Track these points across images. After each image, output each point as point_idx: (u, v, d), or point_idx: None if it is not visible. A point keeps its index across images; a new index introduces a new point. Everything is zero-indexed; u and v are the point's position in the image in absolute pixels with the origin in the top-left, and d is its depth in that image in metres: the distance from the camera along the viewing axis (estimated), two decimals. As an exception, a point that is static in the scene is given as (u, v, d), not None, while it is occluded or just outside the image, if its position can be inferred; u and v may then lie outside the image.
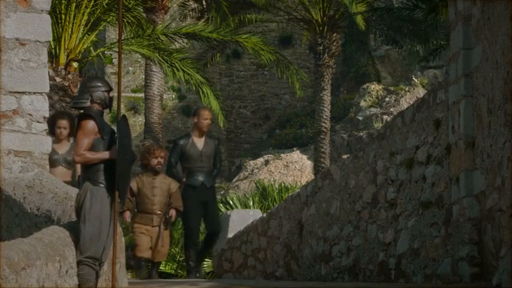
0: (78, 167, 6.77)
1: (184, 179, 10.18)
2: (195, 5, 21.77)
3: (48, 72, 8.80)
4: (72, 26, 12.29)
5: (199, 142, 10.24)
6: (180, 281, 8.70)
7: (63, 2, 12.25)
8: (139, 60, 27.93)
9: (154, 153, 9.84)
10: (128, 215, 9.79)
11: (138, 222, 9.75)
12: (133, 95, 29.64)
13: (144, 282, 8.43)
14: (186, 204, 10.06)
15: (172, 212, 9.84)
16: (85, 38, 12.54)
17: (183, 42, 15.69)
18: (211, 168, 10.35)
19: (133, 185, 9.76)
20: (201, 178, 10.22)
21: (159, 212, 9.73)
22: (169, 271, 17.78)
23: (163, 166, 9.93)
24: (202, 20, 20.96)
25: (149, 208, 9.75)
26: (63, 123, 9.72)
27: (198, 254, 10.51)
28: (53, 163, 9.48)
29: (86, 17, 12.41)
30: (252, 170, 24.58)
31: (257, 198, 18.91)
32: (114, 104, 6.41)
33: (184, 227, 10.47)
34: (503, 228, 6.71)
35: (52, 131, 9.71)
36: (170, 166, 10.26)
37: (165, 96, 24.20)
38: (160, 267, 17.93)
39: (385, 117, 24.32)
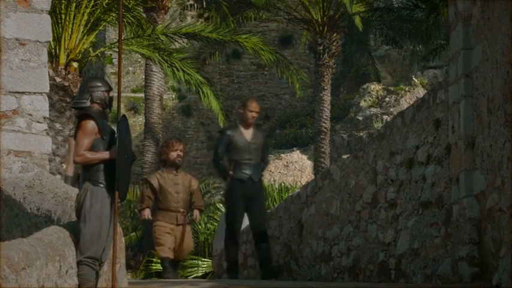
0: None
1: (231, 172, 9.61)
2: (195, 4, 21.76)
3: (48, 72, 8.81)
4: (72, 26, 12.29)
5: (247, 133, 9.69)
6: (180, 281, 8.68)
7: (63, 2, 12.25)
8: (139, 60, 27.93)
9: (173, 146, 9.43)
10: (147, 212, 9.40)
11: (162, 221, 9.33)
12: (133, 95, 29.64)
13: (145, 282, 8.42)
14: (230, 198, 9.61)
15: (196, 213, 9.53)
16: (85, 38, 12.54)
17: (183, 42, 15.68)
18: (259, 161, 9.75)
19: (154, 181, 9.39)
20: (248, 171, 9.60)
21: (182, 210, 9.36)
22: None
23: (182, 159, 9.51)
24: (202, 20, 20.95)
25: (173, 206, 9.36)
26: None
27: (260, 259, 9.87)
28: None
29: (85, 17, 12.41)
30: (252, 170, 24.55)
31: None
32: (114, 104, 6.41)
33: (226, 223, 9.76)
34: (503, 228, 6.71)
35: None
36: (217, 157, 9.68)
37: (165, 96, 24.20)
38: (159, 267, 17.98)
39: (385, 117, 24.32)
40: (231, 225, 9.64)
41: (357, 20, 19.76)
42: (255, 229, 9.73)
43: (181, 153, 9.41)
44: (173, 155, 9.35)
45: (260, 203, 9.71)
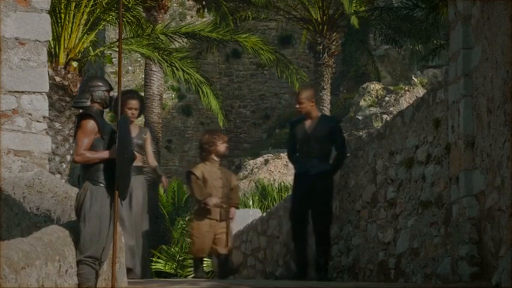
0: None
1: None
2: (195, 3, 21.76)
3: (48, 71, 8.80)
4: (72, 25, 12.28)
5: (310, 123, 9.00)
6: (180, 280, 8.69)
7: (62, 1, 12.25)
8: (139, 59, 27.93)
9: (222, 138, 9.07)
10: (215, 199, 8.90)
11: (203, 217, 8.94)
12: (133, 94, 29.62)
13: (144, 282, 8.42)
14: (292, 193, 9.10)
15: (233, 211, 9.15)
16: (85, 37, 12.53)
17: (183, 41, 15.68)
18: (324, 152, 8.95)
19: (199, 173, 8.93)
20: (307, 164, 8.89)
21: (225, 206, 8.99)
22: (169, 270, 17.80)
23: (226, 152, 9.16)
24: (203, 19, 20.94)
25: (217, 201, 9.01)
26: (134, 103, 9.10)
27: (315, 263, 9.15)
28: None
29: (85, 17, 12.40)
30: (252, 170, 24.57)
31: (257, 197, 18.91)
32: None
33: (289, 219, 9.19)
34: (502, 228, 6.71)
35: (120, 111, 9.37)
36: (289, 155, 9.25)
37: (164, 96, 24.20)
38: (160, 267, 17.99)
39: (384, 116, 24.32)
40: (292, 220, 9.06)
41: (354, 18, 19.76)
42: (314, 228, 9.07)
43: (227, 146, 9.25)
44: (223, 147, 9.04)
45: (320, 199, 8.89)
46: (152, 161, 9.31)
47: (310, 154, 8.85)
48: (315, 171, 8.84)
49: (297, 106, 9.09)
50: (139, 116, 9.33)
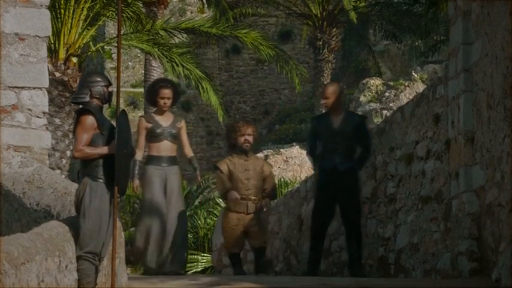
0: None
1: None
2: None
3: (48, 67, 8.80)
4: (72, 20, 12.27)
5: (336, 119, 8.64)
6: (180, 276, 8.66)
7: (62, -4, 12.24)
8: (139, 55, 27.93)
9: (240, 130, 8.68)
10: (235, 194, 8.56)
11: (232, 211, 8.60)
12: (132, 90, 29.65)
13: (144, 277, 8.43)
14: (317, 190, 8.74)
15: (267, 202, 8.70)
16: (84, 32, 12.53)
17: (183, 37, 15.67)
18: (350, 149, 8.66)
19: (224, 167, 8.63)
20: (334, 161, 8.55)
21: (254, 198, 8.58)
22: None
23: (251, 144, 8.73)
24: (203, 14, 20.92)
25: (243, 193, 8.60)
26: (167, 92, 8.75)
27: (351, 256, 8.80)
28: (156, 137, 8.68)
29: (85, 12, 12.39)
30: (252, 165, 24.58)
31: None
32: (114, 99, 6.40)
33: (312, 216, 8.88)
34: (502, 223, 6.72)
35: (153, 101, 8.87)
36: (307, 150, 9.02)
37: (164, 91, 24.15)
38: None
39: (384, 112, 24.32)
40: (315, 218, 8.78)
41: (352, 14, 19.75)
42: (344, 227, 8.84)
43: (249, 138, 8.69)
44: (241, 139, 8.64)
45: (348, 198, 8.61)
46: (188, 152, 8.92)
47: (336, 150, 8.57)
48: (343, 168, 8.57)
49: (323, 101, 8.81)
50: (173, 105, 8.91)
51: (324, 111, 9.27)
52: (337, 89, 8.80)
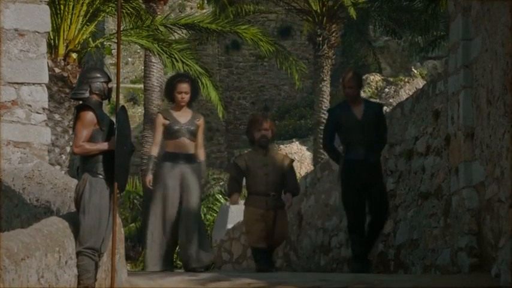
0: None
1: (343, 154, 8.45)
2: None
3: (47, 63, 8.79)
4: (71, 16, 12.26)
5: (358, 110, 8.35)
6: (180, 272, 8.66)
7: (62, -8, 12.23)
8: (139, 51, 27.91)
9: (256, 125, 8.31)
10: (235, 197, 8.34)
11: (251, 206, 8.27)
12: (132, 86, 29.63)
13: (143, 273, 8.42)
14: (344, 183, 8.41)
15: (288, 197, 8.32)
16: (84, 28, 12.52)
17: (182, 32, 15.66)
18: (373, 139, 8.39)
19: (242, 163, 8.33)
20: (362, 152, 8.26)
21: (273, 193, 8.22)
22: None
23: (270, 139, 8.36)
24: (202, 10, 20.90)
25: (262, 189, 8.24)
26: (185, 87, 8.41)
27: (365, 242, 8.51)
28: (174, 134, 8.34)
29: (85, 8, 12.38)
30: (251, 161, 24.59)
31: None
32: (113, 95, 6.40)
33: (345, 210, 8.58)
34: (502, 219, 6.72)
35: (170, 96, 8.51)
36: (324, 143, 8.64)
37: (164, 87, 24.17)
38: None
39: (384, 108, 24.32)
40: (348, 212, 8.52)
41: (351, 10, 19.74)
42: (370, 218, 8.52)
43: (266, 133, 8.29)
44: (257, 134, 8.28)
45: (376, 189, 8.32)
46: (200, 154, 8.53)
47: (363, 141, 8.24)
48: (372, 160, 8.29)
49: (345, 90, 8.42)
50: (192, 100, 8.49)
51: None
52: (359, 78, 8.53)
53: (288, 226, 8.44)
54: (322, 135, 20.90)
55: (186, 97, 8.41)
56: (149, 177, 8.41)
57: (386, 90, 25.48)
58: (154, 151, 8.47)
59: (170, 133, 8.34)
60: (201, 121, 8.52)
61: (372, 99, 8.67)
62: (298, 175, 18.85)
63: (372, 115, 8.39)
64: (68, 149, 12.19)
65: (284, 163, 8.37)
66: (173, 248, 8.46)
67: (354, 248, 8.41)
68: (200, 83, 14.41)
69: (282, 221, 8.24)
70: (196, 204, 8.31)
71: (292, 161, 8.46)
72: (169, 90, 8.51)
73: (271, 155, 8.34)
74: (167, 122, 8.40)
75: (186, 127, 8.35)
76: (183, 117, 8.42)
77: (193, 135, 8.37)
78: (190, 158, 8.37)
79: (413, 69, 26.13)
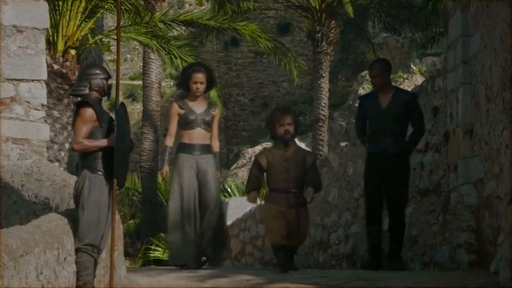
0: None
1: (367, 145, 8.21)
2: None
3: (46, 59, 8.79)
4: (70, 13, 12.25)
5: (384, 98, 8.04)
6: (178, 268, 8.65)
7: (60, -11, 12.22)
8: (137, 47, 27.90)
9: (278, 121, 7.95)
10: (253, 196, 8.01)
11: (271, 203, 7.93)
12: (131, 82, 29.62)
13: (142, 269, 8.42)
14: (364, 176, 8.18)
15: (310, 191, 7.90)
16: (83, 25, 12.51)
17: (181, 29, 15.66)
18: (400, 130, 8.00)
19: (263, 159, 7.97)
20: (382, 143, 7.95)
21: (294, 190, 7.85)
22: (167, 258, 17.82)
23: (293, 134, 7.97)
24: (201, 7, 20.89)
25: (283, 186, 7.88)
26: (200, 77, 8.23)
27: (388, 252, 8.13)
28: (188, 124, 8.16)
29: (83, 4, 12.38)
30: (250, 158, 24.57)
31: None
32: (113, 91, 6.39)
33: (365, 202, 8.34)
34: (501, 216, 6.72)
35: (186, 86, 8.34)
36: (356, 133, 8.41)
37: (163, 84, 24.18)
38: (158, 255, 18.01)
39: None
40: (367, 203, 8.23)
41: (348, 7, 19.72)
42: (389, 213, 8.15)
43: (289, 127, 7.91)
44: (281, 130, 7.91)
45: (396, 183, 7.96)
46: (215, 145, 8.31)
47: (385, 132, 7.94)
48: (390, 151, 7.92)
49: (371, 80, 8.22)
50: (208, 90, 8.35)
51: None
52: (385, 66, 8.23)
53: (308, 225, 8.08)
54: (321, 132, 20.63)
55: (202, 87, 8.24)
56: (165, 168, 8.24)
57: (385, 86, 25.50)
58: (169, 142, 8.29)
59: (185, 123, 8.17)
60: (216, 111, 8.34)
61: (403, 88, 7.88)
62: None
63: (399, 105, 7.98)
64: (67, 145, 12.20)
65: (306, 159, 7.98)
66: (198, 242, 8.20)
67: (368, 241, 8.17)
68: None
69: (304, 220, 7.89)
70: (214, 196, 8.15)
71: (316, 156, 8.10)
72: (185, 79, 8.32)
73: (292, 151, 7.97)
74: (182, 111, 8.24)
75: (201, 117, 8.18)
76: (199, 107, 8.26)
77: (208, 125, 8.21)
78: (206, 149, 8.21)
79: (412, 66, 26.12)
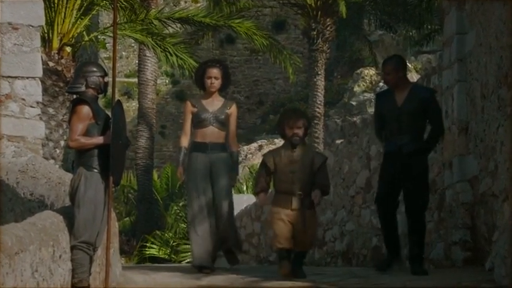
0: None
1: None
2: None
3: (41, 56, 8.78)
4: (65, 10, 12.23)
5: (400, 96, 7.66)
6: (176, 266, 8.64)
7: (56, -14, 12.19)
8: (133, 45, 27.88)
9: (289, 122, 7.69)
10: (262, 197, 7.72)
11: (276, 206, 7.65)
12: (126, 80, 29.60)
13: (138, 267, 8.42)
14: (380, 174, 7.84)
15: (317, 193, 7.53)
16: (78, 22, 12.49)
17: (176, 26, 15.64)
18: (417, 128, 7.59)
19: (269, 160, 7.74)
20: (398, 142, 7.55)
21: (299, 193, 7.54)
22: (163, 256, 17.82)
23: (302, 138, 7.68)
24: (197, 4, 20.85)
25: (288, 188, 7.58)
26: (214, 72, 7.96)
27: (409, 255, 7.66)
28: (201, 123, 7.91)
29: (78, 2, 12.35)
30: (246, 155, 24.58)
31: (251, 183, 18.92)
32: (109, 89, 6.39)
33: (375, 202, 7.91)
34: (496, 213, 6.73)
35: (201, 83, 8.05)
36: (376, 132, 8.00)
37: (158, 81, 24.17)
38: (154, 253, 18.01)
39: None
40: (380, 206, 7.80)
41: (342, 6, 19.71)
42: (407, 214, 7.74)
43: (299, 131, 7.62)
44: (289, 133, 7.66)
45: (412, 183, 7.52)
46: (232, 144, 8.06)
47: (401, 131, 7.57)
48: (407, 150, 7.51)
49: (384, 78, 7.91)
50: (224, 88, 8.08)
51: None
52: (398, 62, 7.87)
53: (316, 229, 7.81)
54: (317, 129, 20.55)
55: (216, 83, 7.96)
56: (180, 169, 7.97)
57: (381, 84, 25.48)
58: (184, 142, 8.04)
59: (198, 121, 7.93)
60: (232, 109, 8.08)
61: (420, 84, 7.40)
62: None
63: (415, 102, 7.56)
64: (62, 143, 12.18)
65: (315, 160, 7.65)
66: (215, 242, 7.94)
67: (385, 244, 7.82)
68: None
69: (312, 224, 7.57)
70: (225, 197, 7.94)
71: (326, 158, 7.84)
72: (199, 75, 8.05)
73: (300, 152, 7.65)
74: (195, 109, 7.99)
75: (214, 115, 7.93)
76: (213, 105, 8.01)
77: (222, 124, 7.94)
78: (219, 148, 7.96)
79: (407, 63, 26.16)
